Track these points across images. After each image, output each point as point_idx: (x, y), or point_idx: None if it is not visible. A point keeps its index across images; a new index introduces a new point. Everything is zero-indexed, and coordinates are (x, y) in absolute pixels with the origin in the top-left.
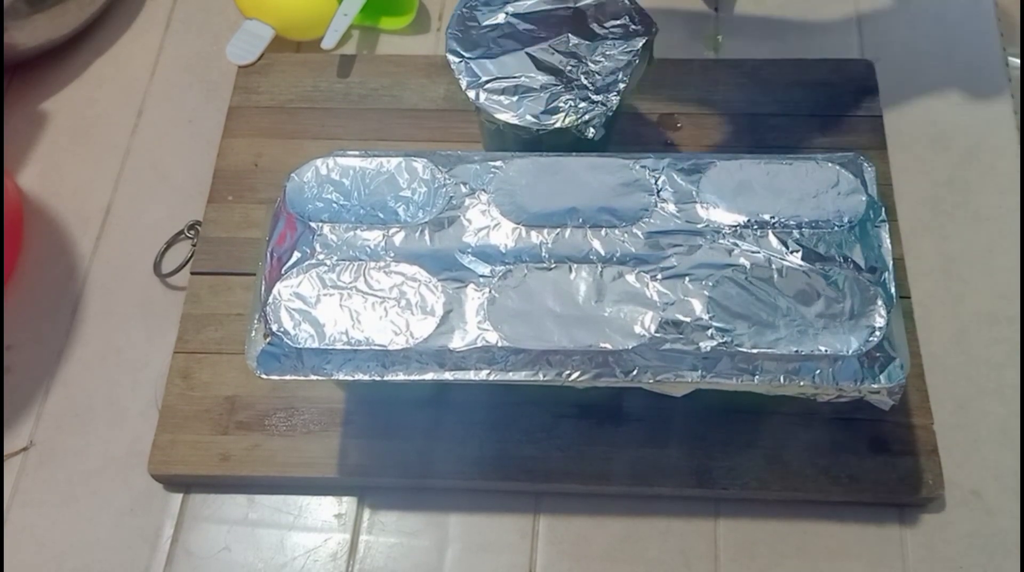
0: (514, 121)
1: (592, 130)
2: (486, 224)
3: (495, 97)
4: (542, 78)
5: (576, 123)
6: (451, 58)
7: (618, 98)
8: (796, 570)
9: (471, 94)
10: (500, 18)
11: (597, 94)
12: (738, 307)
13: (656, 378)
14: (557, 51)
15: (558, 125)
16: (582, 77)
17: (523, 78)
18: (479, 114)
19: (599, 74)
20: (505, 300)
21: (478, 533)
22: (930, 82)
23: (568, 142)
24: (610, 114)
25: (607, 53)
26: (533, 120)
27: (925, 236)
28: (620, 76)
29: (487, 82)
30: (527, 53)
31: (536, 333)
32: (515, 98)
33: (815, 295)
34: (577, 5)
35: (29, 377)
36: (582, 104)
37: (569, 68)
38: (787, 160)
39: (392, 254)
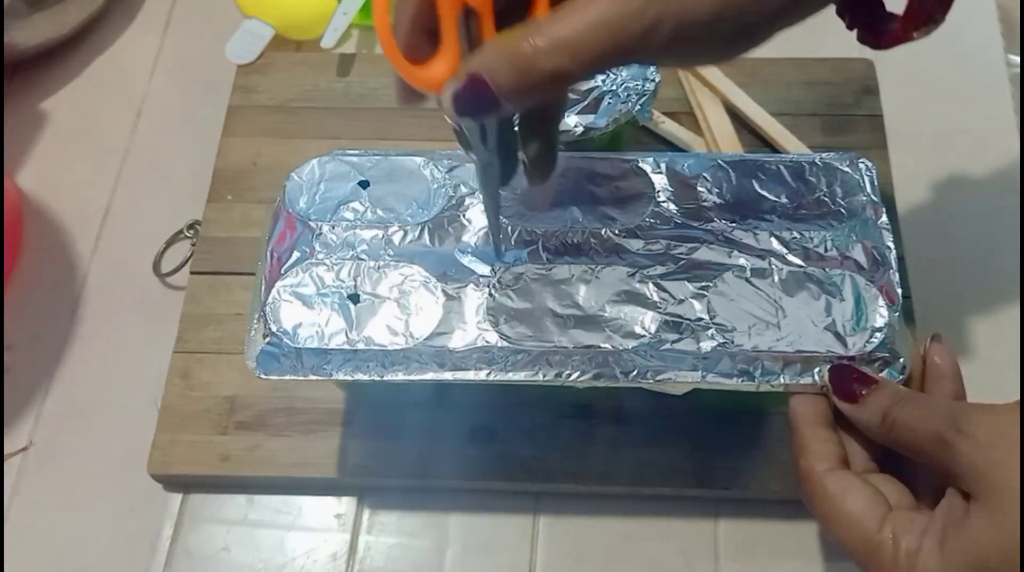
0: (576, 137)
1: (647, 114)
2: (486, 224)
3: None
4: (580, 85)
5: (633, 113)
6: None
7: (657, 72)
8: (796, 570)
9: None
10: None
11: (635, 79)
12: (738, 307)
13: (656, 378)
14: None
15: (619, 122)
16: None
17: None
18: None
19: None
20: (505, 300)
21: (478, 533)
22: (930, 82)
23: (615, 139)
24: (655, 91)
25: None
26: (593, 129)
27: (925, 236)
28: None
29: None
30: None
31: (536, 333)
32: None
33: (815, 295)
34: None
35: (29, 377)
36: (627, 94)
37: None
38: (787, 160)
39: (392, 254)
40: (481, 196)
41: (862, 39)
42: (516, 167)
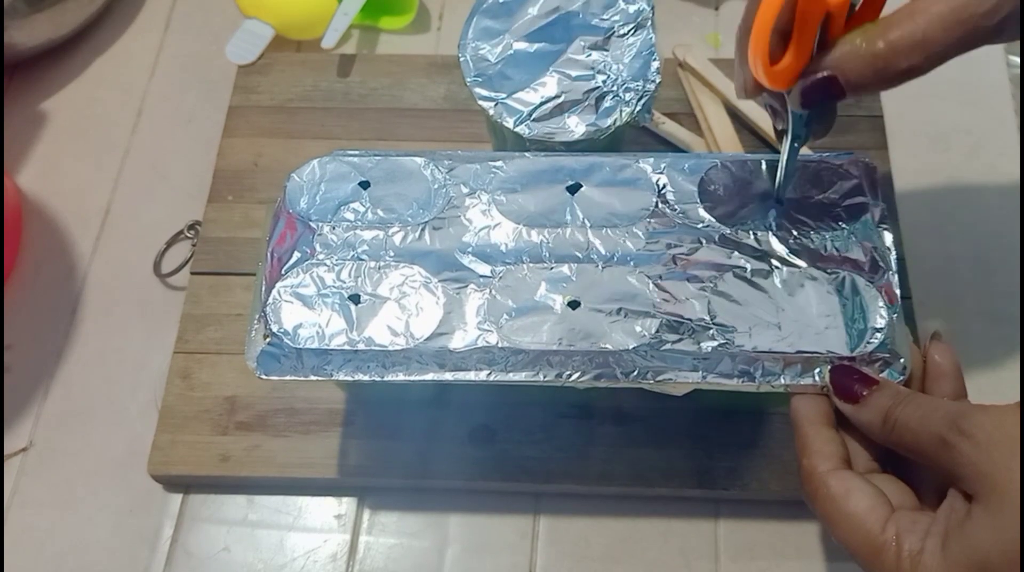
0: (577, 138)
1: (648, 115)
2: (486, 224)
3: (545, 125)
4: (582, 86)
5: (634, 114)
6: (485, 105)
7: (658, 73)
8: (796, 570)
9: (522, 131)
10: (507, 46)
11: (635, 80)
12: (738, 307)
13: (656, 378)
14: (579, 57)
15: (619, 123)
16: (615, 69)
17: (563, 96)
18: (517, 137)
19: (628, 61)
20: (505, 300)
21: (478, 533)
22: (930, 82)
23: (615, 140)
24: (656, 92)
25: (623, 40)
26: (594, 130)
27: (925, 236)
28: (647, 53)
29: (531, 113)
30: (555, 71)
31: (536, 333)
32: (563, 116)
33: (816, 295)
34: (568, 9)
35: (29, 377)
36: (628, 95)
37: (600, 67)
38: None
39: (392, 254)
40: (782, 158)
41: None
42: (812, 134)
